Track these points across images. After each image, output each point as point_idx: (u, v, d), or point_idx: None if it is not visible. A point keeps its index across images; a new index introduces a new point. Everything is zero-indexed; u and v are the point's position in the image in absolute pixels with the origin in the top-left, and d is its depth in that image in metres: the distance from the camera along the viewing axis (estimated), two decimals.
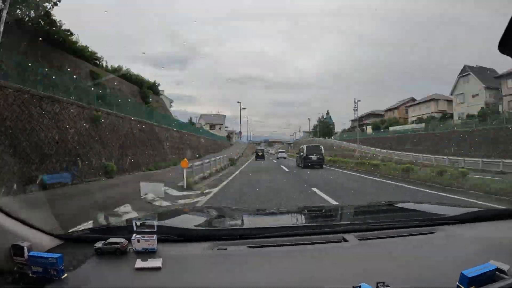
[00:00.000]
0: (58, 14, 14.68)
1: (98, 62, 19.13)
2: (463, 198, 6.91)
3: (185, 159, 10.08)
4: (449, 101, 36.87)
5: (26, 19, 12.60)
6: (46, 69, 11.48)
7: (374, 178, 11.77)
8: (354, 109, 42.72)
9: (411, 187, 9.25)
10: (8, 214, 0.91)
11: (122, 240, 0.95)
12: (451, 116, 35.20)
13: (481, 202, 6.34)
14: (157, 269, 0.85)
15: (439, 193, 7.74)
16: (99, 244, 0.94)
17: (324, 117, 60.11)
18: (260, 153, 33.89)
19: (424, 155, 24.14)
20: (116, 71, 20.51)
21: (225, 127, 57.15)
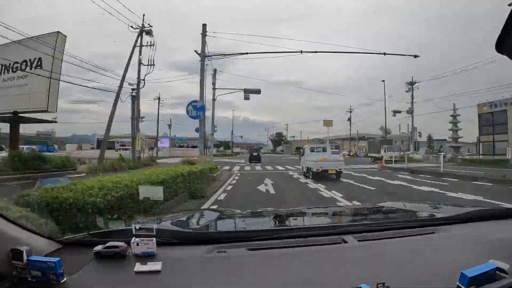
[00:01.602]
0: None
1: None
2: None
3: None
4: None
5: None
6: None
7: None
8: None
9: None
10: (7, 219, 0.91)
11: (122, 243, 0.94)
12: None
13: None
14: (156, 272, 0.85)
15: None
16: (98, 248, 0.94)
17: None
18: (255, 154, 28.37)
19: None
20: None
21: None
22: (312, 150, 14.22)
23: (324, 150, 14.32)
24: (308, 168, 12.93)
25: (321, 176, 11.81)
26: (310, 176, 12.27)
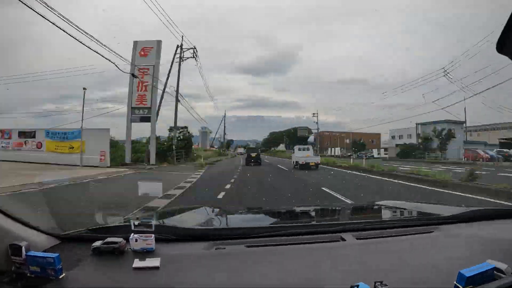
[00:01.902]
0: None
1: None
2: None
3: None
4: None
5: None
6: None
7: None
8: None
9: None
10: (5, 214, 0.91)
11: (120, 239, 0.94)
12: None
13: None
14: (155, 268, 0.85)
15: None
16: (97, 244, 0.94)
17: None
18: (253, 154, 22.96)
19: None
20: None
21: None
22: (299, 149, 19.88)
23: (308, 149, 19.97)
24: (296, 162, 18.51)
25: (305, 166, 17.31)
26: (298, 167, 17.69)
